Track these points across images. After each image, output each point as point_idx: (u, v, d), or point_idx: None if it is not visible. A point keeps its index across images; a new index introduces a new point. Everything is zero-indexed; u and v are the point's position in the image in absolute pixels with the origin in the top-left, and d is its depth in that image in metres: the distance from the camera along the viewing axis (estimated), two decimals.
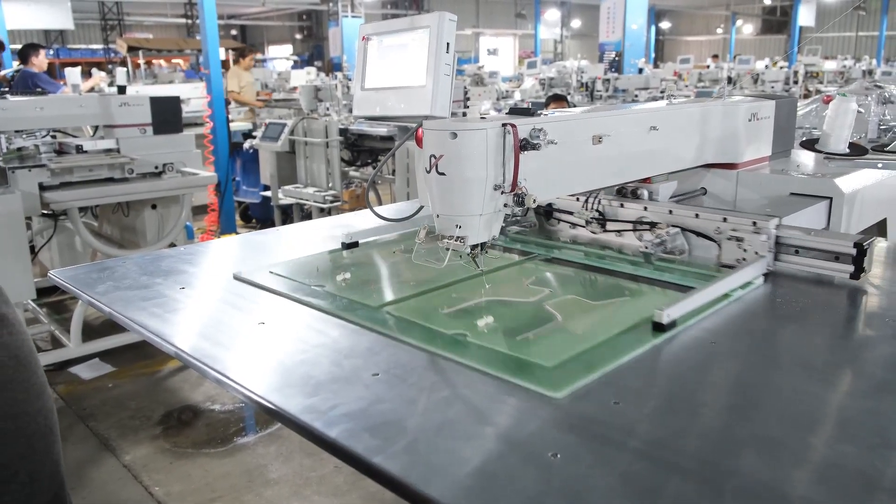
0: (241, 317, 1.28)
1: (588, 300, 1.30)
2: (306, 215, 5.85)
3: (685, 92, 8.47)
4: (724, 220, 1.44)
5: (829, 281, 1.36)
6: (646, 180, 1.62)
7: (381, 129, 5.30)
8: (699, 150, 1.68)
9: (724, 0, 27.82)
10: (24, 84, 6.18)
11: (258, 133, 6.14)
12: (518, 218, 1.77)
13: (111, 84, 7.37)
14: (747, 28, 30.35)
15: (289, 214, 6.14)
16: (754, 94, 2.26)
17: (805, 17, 20.59)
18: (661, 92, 8.20)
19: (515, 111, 1.26)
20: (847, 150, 2.11)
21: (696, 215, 1.49)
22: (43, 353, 3.85)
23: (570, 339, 1.11)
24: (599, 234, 1.64)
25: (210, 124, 6.34)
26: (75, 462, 2.89)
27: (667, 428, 0.86)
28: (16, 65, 7.19)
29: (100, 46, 21.84)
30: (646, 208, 1.56)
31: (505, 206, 1.17)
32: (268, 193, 6.24)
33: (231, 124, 6.77)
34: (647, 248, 1.51)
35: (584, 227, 1.66)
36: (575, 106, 6.48)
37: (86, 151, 3.73)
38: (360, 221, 2.06)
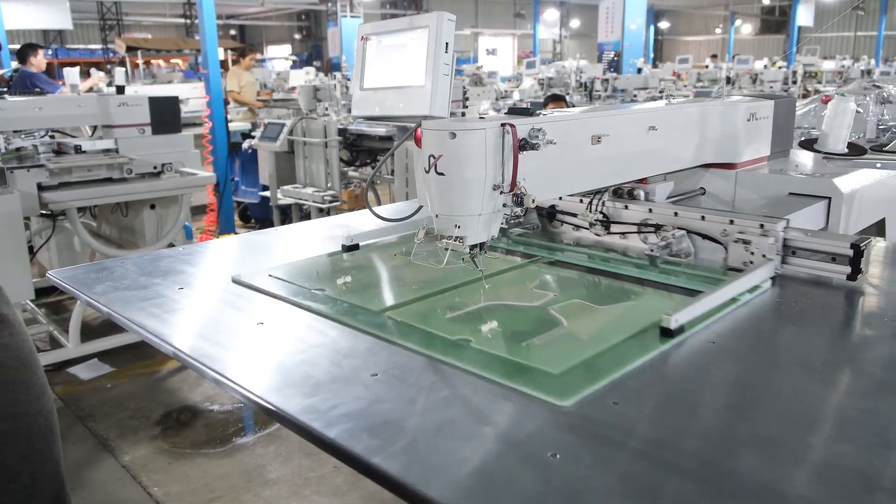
0: (240, 317, 1.28)
1: (593, 304, 1.28)
2: (305, 215, 5.85)
3: (684, 92, 8.47)
4: (731, 222, 1.42)
5: (834, 283, 1.35)
6: (642, 181, 1.62)
7: (380, 129, 5.30)
8: (698, 149, 1.68)
9: (722, 0, 27.84)
10: (23, 84, 6.18)
11: (257, 133, 6.14)
12: (521, 220, 1.76)
13: (110, 84, 7.35)
14: (746, 28, 30.38)
15: (288, 214, 6.14)
16: (753, 93, 2.26)
17: (804, 16, 20.62)
18: (660, 92, 8.20)
19: (514, 111, 1.25)
20: (846, 150, 2.11)
21: (703, 217, 1.47)
22: (41, 353, 3.84)
23: (576, 345, 1.09)
24: (603, 237, 1.63)
25: (209, 124, 6.34)
26: (74, 462, 2.89)
27: (667, 428, 0.86)
28: (14, 65, 7.18)
29: (98, 46, 21.82)
30: (651, 210, 1.54)
31: (504, 206, 1.17)
32: (267, 193, 6.24)
33: (230, 124, 6.76)
34: (652, 250, 1.49)
35: (587, 229, 1.64)
36: (573, 106, 6.48)
37: (84, 151, 3.72)
38: (359, 222, 2.06)
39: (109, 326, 3.88)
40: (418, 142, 1.18)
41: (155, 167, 3.86)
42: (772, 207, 1.62)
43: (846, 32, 27.10)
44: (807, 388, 0.96)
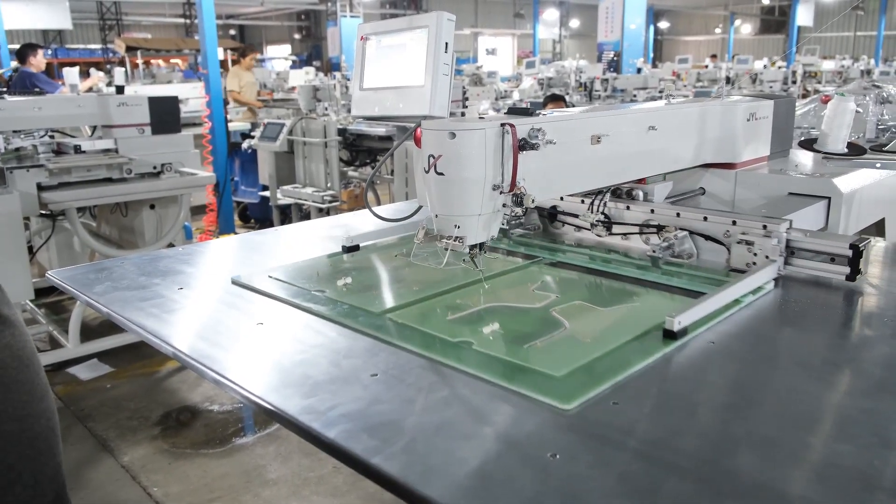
0: (240, 317, 1.28)
1: (595, 306, 1.27)
2: (305, 215, 5.85)
3: (684, 92, 8.48)
4: (734, 223, 1.41)
5: (834, 283, 1.35)
6: (641, 181, 1.61)
7: (380, 129, 5.30)
8: (698, 149, 1.68)
9: (722, 0, 27.84)
10: (23, 84, 6.18)
11: (256, 133, 6.14)
12: (521, 221, 1.75)
13: (109, 84, 7.36)
14: (746, 28, 30.38)
15: (287, 214, 6.14)
16: (753, 93, 2.26)
17: (803, 16, 20.62)
18: (660, 92, 8.21)
19: (514, 111, 1.25)
20: (845, 150, 2.12)
21: (705, 218, 1.46)
22: (41, 353, 3.84)
23: (578, 348, 1.08)
24: (605, 238, 1.62)
25: (208, 124, 6.33)
26: (73, 463, 2.89)
27: (666, 428, 0.86)
28: (14, 65, 7.18)
29: (98, 46, 21.81)
30: (653, 211, 1.54)
31: (504, 206, 1.17)
32: (266, 193, 6.24)
33: (229, 124, 6.76)
34: (654, 251, 1.48)
35: (588, 229, 1.64)
36: (573, 106, 6.48)
37: (84, 151, 3.72)
38: (358, 222, 2.06)
39: (109, 327, 3.88)
40: (418, 142, 1.18)
41: (154, 167, 3.86)
42: (771, 207, 1.62)
43: (846, 32, 27.11)
44: (806, 387, 0.96)
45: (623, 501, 0.72)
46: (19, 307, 3.93)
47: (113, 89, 4.17)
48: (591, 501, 0.72)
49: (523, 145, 1.13)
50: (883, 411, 0.89)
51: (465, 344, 1.09)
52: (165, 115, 3.94)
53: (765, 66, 10.60)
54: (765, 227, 1.37)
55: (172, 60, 17.12)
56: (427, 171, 1.14)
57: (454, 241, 1.14)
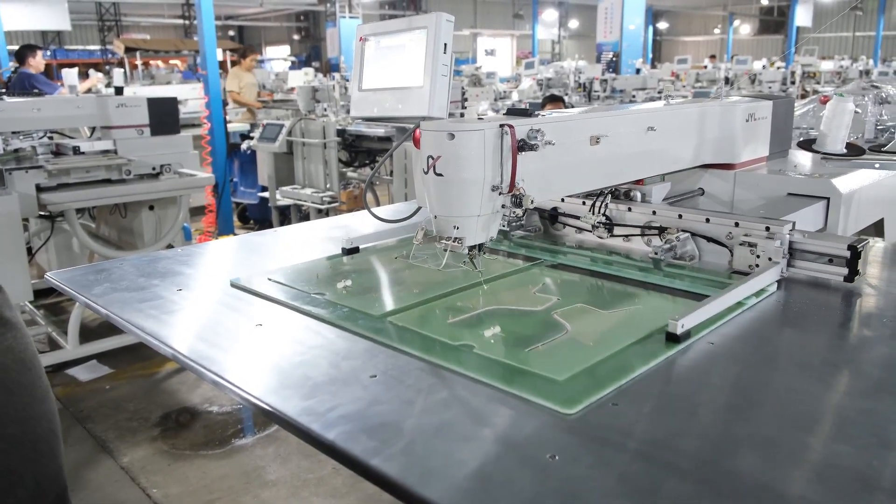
0: (239, 319, 1.28)
1: (597, 308, 1.25)
2: (304, 216, 5.85)
3: (682, 92, 8.49)
4: (737, 224, 1.41)
5: (833, 284, 1.34)
6: (639, 182, 1.61)
7: (379, 130, 5.31)
8: (697, 150, 1.67)
9: (721, 0, 27.87)
10: (21, 85, 6.18)
11: (256, 134, 6.14)
12: (522, 222, 1.75)
13: (108, 85, 7.36)
14: (745, 28, 30.40)
15: (286, 215, 6.14)
16: (752, 94, 2.26)
17: (802, 17, 20.63)
18: (659, 92, 8.22)
19: (513, 112, 1.25)
20: (844, 151, 2.12)
21: (707, 220, 1.45)
22: (40, 354, 3.83)
23: (580, 351, 1.07)
24: (606, 239, 1.61)
25: (208, 125, 6.33)
26: (73, 464, 2.89)
27: (666, 429, 0.86)
28: (12, 66, 7.18)
29: (97, 47, 21.80)
30: (654, 212, 1.53)
31: (503, 206, 1.17)
32: (265, 194, 6.24)
33: (229, 125, 6.76)
34: (656, 253, 1.46)
35: (590, 231, 1.63)
36: (572, 106, 6.48)
37: (83, 153, 3.72)
38: (358, 223, 2.06)
39: (108, 328, 3.87)
40: (417, 143, 1.18)
41: (154, 168, 3.86)
42: (770, 208, 1.62)
43: (844, 33, 27.13)
44: (806, 388, 0.96)
45: (623, 502, 0.72)
46: (18, 308, 3.93)
47: (112, 90, 4.17)
48: (590, 502, 0.72)
49: (522, 146, 1.13)
50: (882, 412, 0.89)
51: (465, 347, 1.08)
52: (164, 116, 3.94)
53: (764, 67, 10.62)
54: (768, 228, 1.36)
55: (171, 61, 17.13)
56: (426, 172, 1.14)
57: (453, 241, 1.14)
